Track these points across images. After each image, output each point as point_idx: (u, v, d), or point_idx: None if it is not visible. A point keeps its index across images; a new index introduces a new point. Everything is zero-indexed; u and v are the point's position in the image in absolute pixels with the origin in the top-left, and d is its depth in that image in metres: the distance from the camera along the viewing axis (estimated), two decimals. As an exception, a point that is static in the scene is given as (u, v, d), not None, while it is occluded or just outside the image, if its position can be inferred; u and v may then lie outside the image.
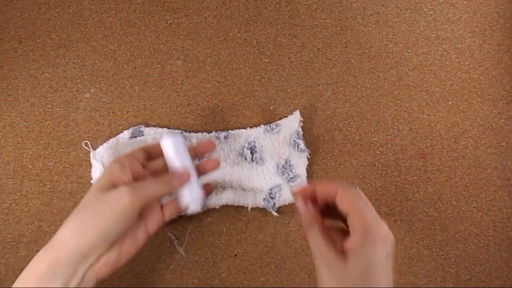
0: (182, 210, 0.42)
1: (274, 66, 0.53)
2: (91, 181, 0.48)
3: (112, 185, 0.35)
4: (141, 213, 0.38)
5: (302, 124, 0.50)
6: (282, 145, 0.50)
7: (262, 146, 0.49)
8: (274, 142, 0.50)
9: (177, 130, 0.50)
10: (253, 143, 0.49)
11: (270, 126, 0.50)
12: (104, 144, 0.49)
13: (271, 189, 0.48)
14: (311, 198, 0.34)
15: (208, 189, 0.43)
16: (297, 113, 0.50)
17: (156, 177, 0.37)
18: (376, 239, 0.29)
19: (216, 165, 0.43)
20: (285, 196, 0.48)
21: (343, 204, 0.31)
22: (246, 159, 0.48)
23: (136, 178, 0.36)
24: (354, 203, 0.31)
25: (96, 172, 0.48)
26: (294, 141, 0.49)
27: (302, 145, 0.49)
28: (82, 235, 0.33)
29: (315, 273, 0.32)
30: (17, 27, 0.52)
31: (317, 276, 0.31)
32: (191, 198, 0.39)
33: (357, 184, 0.52)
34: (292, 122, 0.50)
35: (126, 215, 0.34)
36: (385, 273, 0.28)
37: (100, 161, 0.47)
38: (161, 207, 0.40)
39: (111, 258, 0.35)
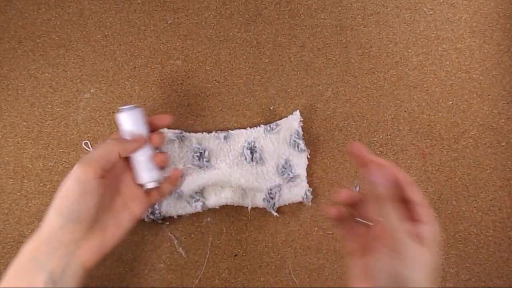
0: (168, 192, 0.45)
1: (274, 66, 0.53)
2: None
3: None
4: (120, 193, 0.40)
5: (302, 124, 0.50)
6: (282, 145, 0.50)
7: (262, 146, 0.49)
8: (274, 142, 0.50)
9: (177, 130, 0.50)
10: (253, 143, 0.49)
11: (270, 126, 0.50)
12: (104, 144, 0.49)
13: (271, 189, 0.48)
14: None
15: (175, 175, 0.46)
16: (297, 113, 0.50)
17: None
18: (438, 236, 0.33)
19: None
20: (285, 196, 0.48)
21: (416, 195, 0.34)
22: (246, 159, 0.48)
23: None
24: (424, 199, 0.34)
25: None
26: (294, 141, 0.49)
27: (302, 145, 0.49)
28: (53, 221, 0.34)
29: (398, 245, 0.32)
30: (17, 27, 0.52)
31: (390, 249, 0.31)
32: (147, 176, 0.42)
33: (357, 184, 0.52)
34: (292, 122, 0.50)
35: (87, 186, 0.35)
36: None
37: (100, 161, 0.48)
38: (148, 193, 0.43)
39: (94, 243, 0.36)
